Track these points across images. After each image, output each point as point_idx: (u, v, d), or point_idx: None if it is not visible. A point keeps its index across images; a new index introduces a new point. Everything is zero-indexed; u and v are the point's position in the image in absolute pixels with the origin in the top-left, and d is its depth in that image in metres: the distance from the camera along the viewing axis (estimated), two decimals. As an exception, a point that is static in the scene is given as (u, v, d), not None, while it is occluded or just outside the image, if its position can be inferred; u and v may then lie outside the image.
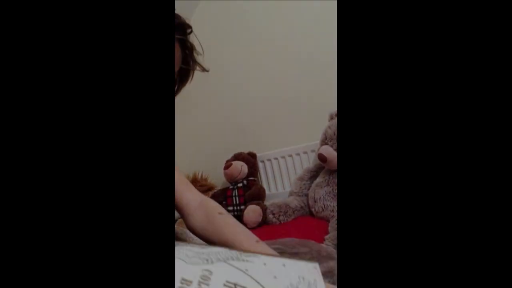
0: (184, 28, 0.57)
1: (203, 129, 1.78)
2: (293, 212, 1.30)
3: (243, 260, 0.33)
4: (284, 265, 0.33)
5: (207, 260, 0.31)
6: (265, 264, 0.33)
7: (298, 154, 1.51)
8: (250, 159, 1.52)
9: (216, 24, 1.66)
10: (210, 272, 0.29)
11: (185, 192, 0.59)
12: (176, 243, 0.36)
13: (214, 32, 1.61)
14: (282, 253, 0.75)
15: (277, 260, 0.34)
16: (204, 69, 0.62)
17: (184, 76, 0.61)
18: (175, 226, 0.75)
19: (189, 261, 0.31)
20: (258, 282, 0.30)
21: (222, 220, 0.56)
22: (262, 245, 0.52)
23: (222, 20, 1.68)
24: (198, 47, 0.60)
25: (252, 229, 1.26)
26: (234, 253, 0.34)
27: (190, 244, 0.39)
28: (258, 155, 1.58)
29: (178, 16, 0.56)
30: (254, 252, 0.36)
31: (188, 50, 0.59)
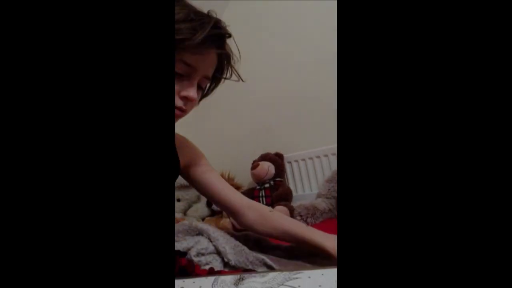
0: (221, 38, 0.53)
1: (231, 129, 1.79)
2: (321, 214, 1.28)
3: (294, 278, 0.45)
4: (322, 274, 0.44)
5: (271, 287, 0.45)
6: (309, 277, 0.44)
7: (326, 156, 1.48)
8: (277, 159, 1.51)
9: (242, 24, 1.66)
10: None
11: (235, 196, 0.72)
12: (241, 275, 0.51)
13: (241, 33, 1.61)
14: (314, 255, 0.73)
15: (317, 271, 0.46)
16: (240, 78, 0.60)
17: (215, 83, 0.61)
18: (202, 222, 0.76)
19: None
20: None
21: (275, 216, 0.69)
22: (310, 228, 0.68)
23: (248, 20, 1.68)
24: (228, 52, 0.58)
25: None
26: (286, 274, 0.48)
27: (253, 275, 0.51)
28: (285, 156, 1.57)
29: (218, 25, 0.51)
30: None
31: (226, 60, 0.57)
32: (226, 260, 0.63)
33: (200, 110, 0.65)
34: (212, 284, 0.48)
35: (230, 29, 0.56)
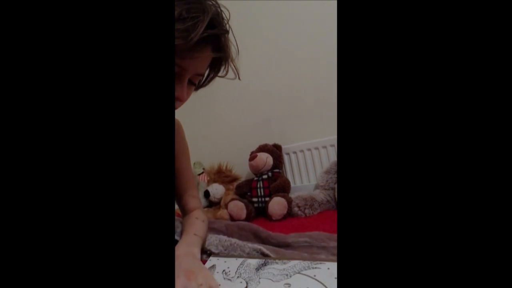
0: (217, 38, 0.49)
1: (229, 120, 1.78)
2: (319, 205, 1.28)
3: (313, 268, 0.47)
4: None
5: (286, 275, 0.46)
6: (328, 268, 0.46)
7: (324, 147, 1.48)
8: (275, 150, 1.50)
9: (240, 17, 1.64)
10: (289, 285, 0.43)
11: (189, 197, 0.74)
12: (265, 260, 0.53)
13: (239, 26, 1.59)
14: (310, 246, 0.74)
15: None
16: (237, 76, 0.56)
17: (214, 74, 0.58)
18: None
19: (274, 279, 0.46)
20: (322, 284, 0.43)
21: (191, 221, 0.68)
22: (195, 238, 0.63)
23: (246, 13, 1.65)
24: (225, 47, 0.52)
25: (277, 221, 1.25)
26: (307, 263, 0.49)
27: (276, 261, 0.52)
28: (283, 147, 1.56)
29: (214, 23, 0.46)
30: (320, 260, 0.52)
31: (222, 60, 0.54)
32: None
33: (198, 102, 0.64)
34: (238, 266, 0.52)
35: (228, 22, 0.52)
